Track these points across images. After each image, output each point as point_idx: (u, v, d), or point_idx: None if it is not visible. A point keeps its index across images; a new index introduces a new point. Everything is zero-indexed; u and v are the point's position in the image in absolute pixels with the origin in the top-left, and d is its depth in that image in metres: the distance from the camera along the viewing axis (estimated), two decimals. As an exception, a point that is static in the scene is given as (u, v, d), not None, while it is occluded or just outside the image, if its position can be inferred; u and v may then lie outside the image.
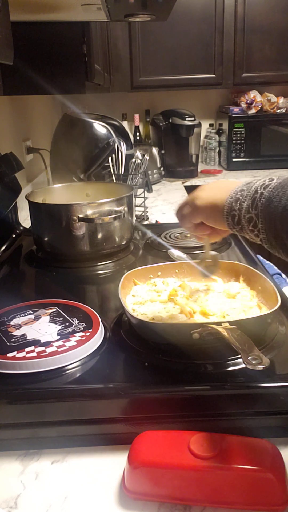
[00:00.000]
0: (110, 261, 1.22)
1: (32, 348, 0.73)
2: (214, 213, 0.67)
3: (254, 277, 0.90)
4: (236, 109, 2.93)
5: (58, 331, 0.78)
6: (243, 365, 0.63)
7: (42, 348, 0.73)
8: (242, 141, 2.92)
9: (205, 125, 3.18)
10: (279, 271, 1.37)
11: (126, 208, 1.22)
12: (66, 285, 1.10)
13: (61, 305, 0.88)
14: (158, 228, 1.53)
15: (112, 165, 1.80)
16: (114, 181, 1.78)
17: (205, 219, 0.71)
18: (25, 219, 1.59)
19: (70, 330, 0.79)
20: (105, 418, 0.68)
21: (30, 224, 1.32)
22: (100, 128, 1.94)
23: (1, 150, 1.42)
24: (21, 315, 0.85)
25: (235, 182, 0.67)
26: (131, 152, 1.97)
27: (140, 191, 1.81)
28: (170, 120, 2.83)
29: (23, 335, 0.78)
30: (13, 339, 0.76)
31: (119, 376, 0.74)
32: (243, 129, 2.89)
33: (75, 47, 1.33)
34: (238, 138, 2.91)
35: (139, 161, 1.79)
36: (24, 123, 2.00)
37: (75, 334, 0.77)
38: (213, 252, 0.86)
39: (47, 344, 0.74)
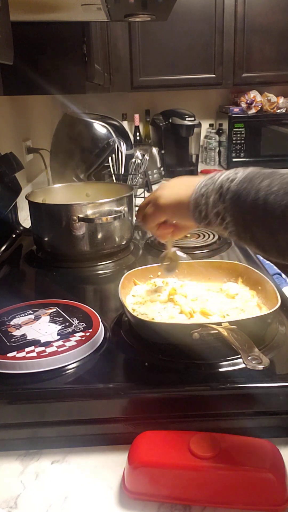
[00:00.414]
0: (110, 261, 1.22)
1: (32, 348, 0.73)
2: (179, 210, 0.68)
3: (254, 277, 0.90)
4: (236, 109, 2.93)
5: (58, 331, 0.78)
6: (243, 365, 0.63)
7: (42, 348, 0.73)
8: (242, 141, 2.92)
9: (205, 125, 3.18)
10: (279, 271, 1.37)
11: (126, 208, 1.22)
12: (66, 285, 1.10)
13: (61, 305, 0.88)
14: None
15: (112, 165, 1.80)
16: (114, 181, 1.78)
17: (170, 217, 0.72)
18: (25, 219, 1.59)
19: (70, 330, 0.79)
20: (105, 418, 0.68)
21: (30, 224, 1.32)
22: (100, 128, 1.94)
23: (1, 150, 1.42)
24: (21, 315, 0.85)
25: (196, 177, 0.68)
26: (131, 152, 1.97)
27: (140, 191, 1.80)
28: (170, 120, 2.83)
29: (23, 335, 0.78)
30: (13, 339, 0.76)
31: (119, 376, 0.74)
32: (243, 129, 2.89)
33: (75, 47, 1.33)
34: (238, 138, 2.91)
35: (139, 161, 1.79)
36: (24, 123, 2.00)
37: (75, 334, 0.77)
38: (174, 249, 0.88)
39: (47, 344, 0.74)
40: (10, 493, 0.60)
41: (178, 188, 0.69)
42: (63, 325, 0.80)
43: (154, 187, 2.50)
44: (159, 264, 0.92)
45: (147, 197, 0.77)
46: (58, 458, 0.66)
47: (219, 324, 0.70)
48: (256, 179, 0.57)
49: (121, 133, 2.01)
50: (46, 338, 0.76)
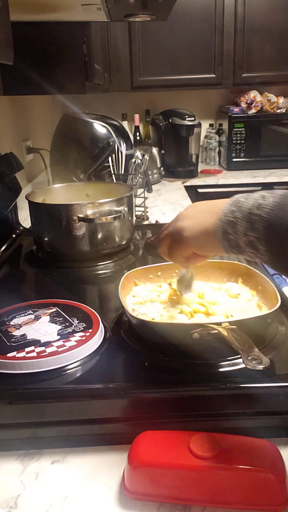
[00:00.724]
0: (110, 261, 1.22)
1: (32, 348, 0.73)
2: (207, 241, 0.63)
3: (254, 277, 0.90)
4: (236, 109, 2.93)
5: (58, 331, 0.78)
6: (243, 365, 0.63)
7: (42, 348, 0.73)
8: (242, 141, 2.92)
9: (205, 125, 3.18)
10: (279, 271, 1.37)
11: (126, 208, 1.22)
12: (66, 285, 1.10)
13: (61, 305, 0.88)
14: (158, 228, 1.53)
15: (112, 165, 1.80)
16: (114, 181, 1.78)
17: (198, 250, 0.67)
18: (25, 219, 1.59)
19: (70, 330, 0.79)
20: (105, 418, 0.68)
21: (30, 224, 1.32)
22: (100, 128, 1.94)
23: (1, 150, 1.42)
24: (21, 315, 0.85)
25: (218, 202, 0.63)
26: (131, 152, 1.97)
27: (140, 191, 1.81)
28: (170, 120, 2.83)
29: (23, 335, 0.78)
30: (13, 339, 0.76)
31: (119, 376, 0.74)
32: (243, 129, 2.89)
33: (75, 47, 1.33)
34: (238, 138, 2.91)
35: (139, 161, 1.79)
36: (24, 123, 2.00)
37: (75, 334, 0.77)
38: (191, 269, 0.84)
39: (47, 344, 0.74)
40: (10, 493, 0.60)
41: (201, 216, 0.64)
42: (63, 325, 0.80)
43: (154, 187, 2.50)
44: (175, 285, 0.87)
45: (166, 228, 0.71)
46: (58, 458, 0.66)
47: (219, 324, 0.70)
48: None
49: (121, 133, 2.01)
50: (46, 338, 0.76)
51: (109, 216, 1.17)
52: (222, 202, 0.62)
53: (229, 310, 0.80)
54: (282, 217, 0.54)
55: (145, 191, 1.82)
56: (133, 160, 1.78)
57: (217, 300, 0.83)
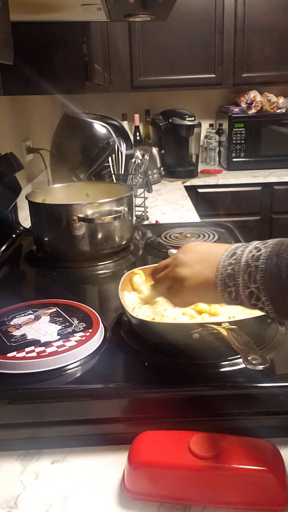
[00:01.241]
0: (110, 261, 1.22)
1: (32, 348, 0.73)
2: (208, 292, 0.63)
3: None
4: (236, 109, 2.93)
5: (58, 331, 0.78)
6: (243, 365, 0.63)
7: (42, 348, 0.73)
8: (242, 141, 2.92)
9: (205, 125, 3.18)
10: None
11: (126, 208, 1.22)
12: (66, 285, 1.10)
13: (61, 305, 0.88)
14: (158, 228, 1.54)
15: (112, 165, 1.80)
16: (114, 181, 1.78)
17: (200, 300, 0.69)
18: (25, 219, 1.59)
19: (70, 330, 0.79)
20: (105, 418, 0.68)
21: (30, 224, 1.32)
22: (100, 128, 1.94)
23: (1, 150, 1.42)
24: (21, 315, 0.85)
25: (216, 250, 0.63)
26: (131, 152, 1.97)
27: (140, 191, 1.80)
28: (170, 120, 2.83)
29: (23, 335, 0.78)
30: (13, 339, 0.76)
31: (119, 376, 0.74)
32: (243, 129, 2.89)
33: (75, 47, 1.33)
34: (238, 138, 2.91)
35: (139, 161, 1.79)
36: (24, 123, 2.00)
37: (75, 334, 0.77)
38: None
39: (47, 344, 0.74)
40: (10, 493, 0.60)
41: (201, 266, 0.64)
42: (63, 325, 0.80)
43: (154, 187, 2.50)
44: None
45: (165, 269, 0.70)
46: (58, 458, 0.66)
47: (219, 324, 0.70)
48: (283, 252, 0.55)
49: (121, 133, 2.01)
50: (46, 338, 0.76)
51: (109, 216, 1.17)
52: (220, 252, 0.62)
53: (231, 310, 0.80)
54: (277, 263, 0.55)
55: (145, 191, 1.82)
56: (133, 160, 1.78)
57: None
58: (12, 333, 0.78)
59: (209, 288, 0.62)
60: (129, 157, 1.85)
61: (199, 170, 2.99)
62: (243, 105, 2.94)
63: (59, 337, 0.76)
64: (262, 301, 0.57)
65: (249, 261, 0.58)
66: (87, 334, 0.77)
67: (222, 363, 0.71)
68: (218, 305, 0.81)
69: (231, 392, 0.67)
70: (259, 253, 0.57)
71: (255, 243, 0.60)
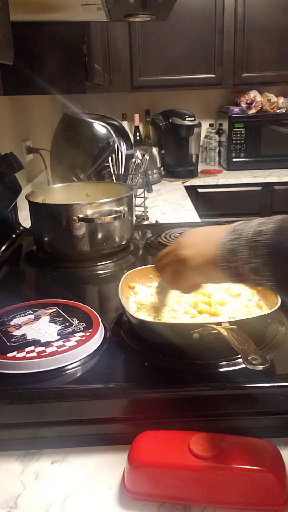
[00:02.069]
0: (110, 261, 1.22)
1: (32, 348, 0.73)
2: (210, 270, 0.62)
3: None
4: (236, 109, 2.93)
5: (58, 331, 0.78)
6: (243, 365, 0.63)
7: (42, 348, 0.73)
8: (242, 141, 2.92)
9: (205, 125, 3.18)
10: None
11: (126, 208, 1.22)
12: (66, 285, 1.10)
13: (61, 305, 0.88)
14: (158, 228, 1.54)
15: (112, 165, 1.80)
16: (114, 181, 1.78)
17: (204, 280, 0.68)
18: (25, 219, 1.59)
19: (70, 330, 0.79)
20: (105, 418, 0.68)
21: (30, 224, 1.32)
22: (100, 128, 1.94)
23: (1, 150, 1.42)
24: (21, 315, 0.85)
25: (217, 230, 0.63)
26: (131, 152, 1.97)
27: (140, 191, 1.81)
28: (170, 120, 2.83)
29: (23, 335, 0.78)
30: (13, 339, 0.76)
31: (119, 376, 0.74)
32: (243, 129, 2.89)
33: (75, 47, 1.33)
34: (238, 138, 2.91)
35: (139, 161, 1.79)
36: (24, 123, 2.00)
37: (75, 334, 0.77)
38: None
39: (47, 344, 0.74)
40: (10, 493, 0.60)
41: (202, 246, 0.64)
42: (63, 325, 0.80)
43: (154, 187, 2.50)
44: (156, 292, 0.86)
45: (167, 256, 0.70)
46: (58, 458, 0.66)
47: (219, 324, 0.70)
48: (287, 228, 0.55)
49: (121, 133, 2.02)
50: (46, 338, 0.76)
51: (109, 216, 1.17)
52: (220, 231, 0.62)
53: (232, 310, 0.80)
54: (282, 240, 0.55)
55: (145, 191, 1.82)
56: (133, 160, 1.78)
57: (224, 300, 0.83)
58: (12, 333, 0.78)
59: (211, 266, 0.62)
60: (129, 157, 1.85)
61: (199, 170, 2.99)
62: (243, 105, 2.94)
63: (59, 337, 0.76)
64: (266, 277, 0.57)
65: (252, 236, 0.57)
66: (87, 334, 0.77)
67: (222, 363, 0.71)
68: (219, 305, 0.81)
69: (231, 392, 0.67)
70: (262, 228, 0.57)
71: (258, 220, 0.59)
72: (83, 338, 0.76)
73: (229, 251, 0.59)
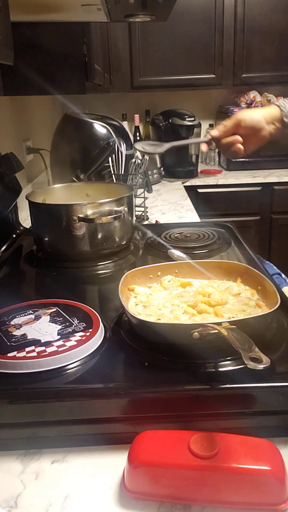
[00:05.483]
0: (110, 261, 1.22)
1: (32, 348, 0.74)
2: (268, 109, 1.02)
3: (253, 277, 0.90)
4: (236, 109, 2.93)
5: (58, 331, 0.78)
6: (243, 365, 0.63)
7: (43, 348, 0.73)
8: (242, 141, 2.91)
9: (205, 125, 3.19)
10: (279, 271, 1.37)
11: (126, 208, 1.22)
12: (66, 285, 1.10)
13: (61, 305, 0.88)
14: (158, 228, 1.53)
15: (112, 165, 1.80)
16: (114, 181, 1.78)
17: (267, 129, 1.09)
18: (25, 219, 1.59)
19: (70, 330, 0.79)
20: (105, 418, 0.68)
21: (30, 224, 1.32)
22: (100, 128, 1.94)
23: (1, 150, 1.42)
24: (21, 315, 0.85)
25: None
26: (131, 152, 1.97)
27: (140, 191, 1.81)
28: (170, 120, 2.83)
29: (23, 335, 0.78)
30: (13, 339, 0.76)
31: (119, 376, 0.74)
32: (243, 129, 2.88)
33: (75, 47, 1.33)
34: (238, 138, 2.90)
35: (139, 161, 1.79)
36: (24, 123, 2.01)
37: (75, 334, 0.77)
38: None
39: (47, 344, 0.74)
40: (10, 492, 0.60)
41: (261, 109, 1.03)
42: (63, 325, 0.80)
43: (154, 187, 2.51)
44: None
45: (230, 122, 1.05)
46: (58, 458, 0.66)
47: (219, 324, 0.70)
48: None
49: (121, 133, 2.02)
50: (46, 338, 0.76)
51: (109, 216, 1.17)
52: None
53: (232, 310, 0.80)
54: None
55: (145, 191, 1.82)
56: (133, 160, 1.78)
57: (224, 299, 0.83)
58: (13, 333, 0.79)
59: (274, 115, 1.02)
60: (129, 157, 1.85)
61: (199, 170, 2.99)
62: (243, 105, 2.94)
63: (59, 337, 0.77)
64: None
65: None
66: (87, 334, 0.77)
67: (222, 363, 0.71)
68: (219, 305, 0.81)
69: (231, 392, 0.67)
70: None
71: None
72: (83, 338, 0.76)
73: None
